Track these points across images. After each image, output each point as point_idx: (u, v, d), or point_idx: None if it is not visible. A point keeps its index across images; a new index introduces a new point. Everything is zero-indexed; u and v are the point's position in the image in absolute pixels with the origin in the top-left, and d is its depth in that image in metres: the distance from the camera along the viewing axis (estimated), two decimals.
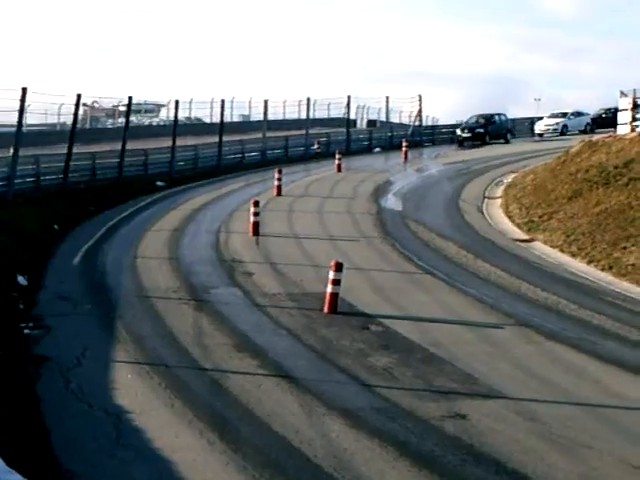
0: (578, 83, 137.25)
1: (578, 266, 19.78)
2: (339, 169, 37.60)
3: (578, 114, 57.57)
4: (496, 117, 54.17)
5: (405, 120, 59.64)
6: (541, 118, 59.33)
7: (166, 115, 61.01)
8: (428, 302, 15.85)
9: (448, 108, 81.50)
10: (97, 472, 8.75)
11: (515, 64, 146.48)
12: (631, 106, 34.49)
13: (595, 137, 33.26)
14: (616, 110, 39.29)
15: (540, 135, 55.89)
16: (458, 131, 53.55)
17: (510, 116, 57.22)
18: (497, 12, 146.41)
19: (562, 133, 55.13)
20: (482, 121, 53.19)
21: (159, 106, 65.61)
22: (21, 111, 25.65)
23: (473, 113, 55.48)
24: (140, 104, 56.15)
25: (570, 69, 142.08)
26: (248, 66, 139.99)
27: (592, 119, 57.27)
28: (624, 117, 35.75)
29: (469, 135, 52.42)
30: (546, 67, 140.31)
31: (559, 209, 24.72)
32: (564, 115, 57.26)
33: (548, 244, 22.02)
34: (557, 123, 56.25)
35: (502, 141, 52.52)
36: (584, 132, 53.42)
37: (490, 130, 52.60)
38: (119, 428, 9.85)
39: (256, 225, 22.00)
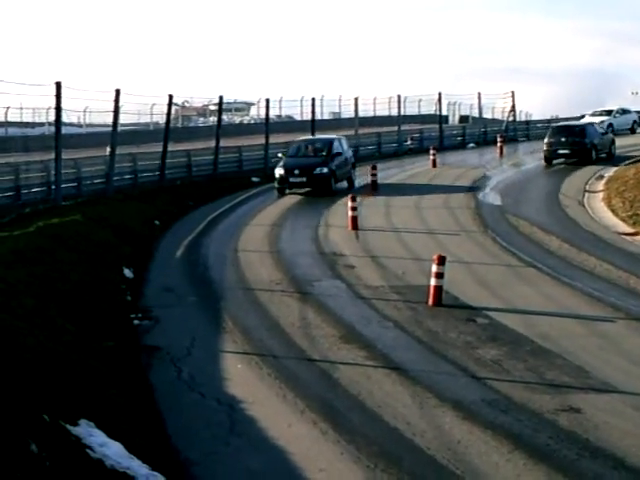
0: None
1: None
2: (434, 164, 37.36)
3: (624, 112, 53.44)
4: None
5: (498, 116, 59.11)
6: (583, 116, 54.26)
7: (256, 113, 61.69)
8: (533, 295, 15.61)
9: (541, 103, 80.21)
10: (213, 460, 8.85)
11: (610, 58, 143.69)
12: None
13: None
14: None
15: None
16: None
17: None
18: (591, 6, 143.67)
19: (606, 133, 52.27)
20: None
21: (249, 105, 66.34)
22: (116, 112, 26.27)
23: (568, 108, 54.18)
24: (230, 103, 56.79)
25: None
26: (337, 64, 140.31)
27: None
28: None
29: None
30: None
31: None
32: (609, 113, 52.51)
33: None
34: (602, 122, 50.24)
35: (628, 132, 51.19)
36: (632, 131, 51.27)
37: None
38: (232, 417, 9.95)
39: (355, 219, 22.01)
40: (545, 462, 8.81)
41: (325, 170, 28.59)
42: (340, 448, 9.13)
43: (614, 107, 53.84)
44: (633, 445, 9.20)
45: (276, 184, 29.00)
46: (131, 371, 11.41)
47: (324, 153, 29.62)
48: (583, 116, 53.83)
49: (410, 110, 55.91)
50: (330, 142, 30.45)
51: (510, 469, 8.68)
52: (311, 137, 35.01)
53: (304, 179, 28.55)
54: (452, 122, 58.29)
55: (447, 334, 13.15)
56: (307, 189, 29.06)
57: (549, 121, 56.82)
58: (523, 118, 59.57)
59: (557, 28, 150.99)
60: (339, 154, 29.86)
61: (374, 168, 30.51)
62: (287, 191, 28.76)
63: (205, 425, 9.75)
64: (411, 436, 9.41)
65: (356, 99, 48.17)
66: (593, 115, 52.98)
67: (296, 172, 28.46)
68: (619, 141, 43.11)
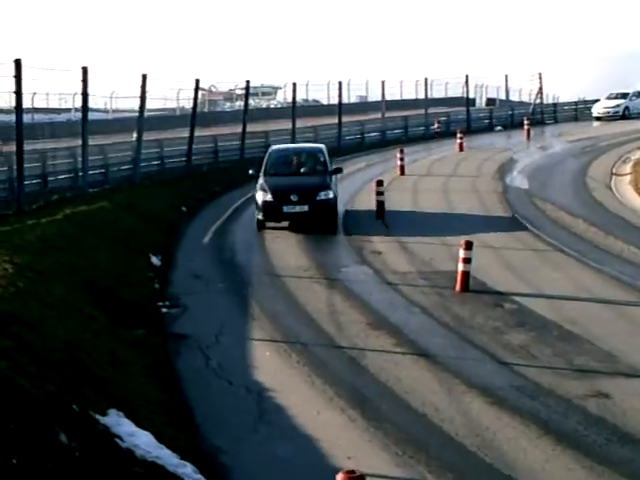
0: None
1: None
2: (461, 148, 37.21)
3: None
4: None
5: (525, 98, 58.70)
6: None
7: (283, 97, 61.50)
8: (561, 279, 15.54)
9: (569, 85, 79.52)
10: (241, 448, 8.89)
11: None
12: None
13: None
14: None
15: (598, 119, 51.22)
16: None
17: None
18: None
19: (623, 116, 50.55)
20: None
21: (276, 89, 66.20)
22: (142, 97, 26.24)
23: (596, 90, 53.82)
24: (257, 87, 56.75)
25: None
26: (364, 47, 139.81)
27: None
28: None
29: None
30: None
31: None
32: (624, 96, 52.02)
33: None
34: (617, 105, 51.42)
35: None
36: None
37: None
38: (261, 405, 10.00)
39: (381, 204, 21.94)
40: (573, 447, 8.82)
41: (331, 195, 20.23)
42: (368, 435, 9.17)
43: (630, 90, 53.28)
44: None
45: (259, 215, 20.17)
46: (159, 359, 11.49)
47: (320, 168, 21.51)
48: (599, 100, 53.58)
49: (437, 93, 55.62)
50: (320, 151, 22.33)
51: (538, 454, 8.68)
52: (290, 146, 26.70)
53: (305, 207, 19.83)
54: (479, 105, 57.96)
55: (475, 320, 13.14)
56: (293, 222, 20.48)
57: (576, 103, 56.52)
58: (550, 100, 59.12)
59: (589, 10, 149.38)
60: (338, 170, 22.07)
61: (401, 152, 30.37)
62: (267, 224, 20.37)
63: (233, 413, 9.81)
64: (439, 422, 9.43)
65: (383, 82, 48.00)
66: (609, 98, 52.80)
67: (293, 198, 19.82)
68: (638, 124, 43.15)
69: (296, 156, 22.29)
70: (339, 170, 21.90)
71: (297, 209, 19.81)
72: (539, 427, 9.29)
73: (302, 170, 21.58)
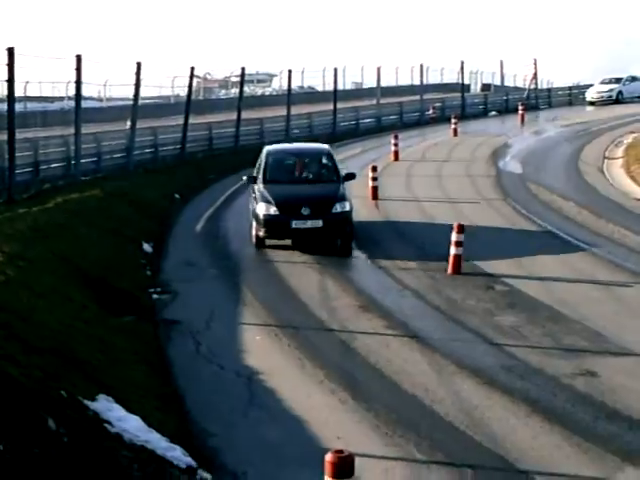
0: None
1: None
2: (455, 133, 37.27)
3: (633, 79, 52.89)
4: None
5: (520, 84, 58.74)
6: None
7: (278, 85, 61.46)
8: (552, 261, 15.59)
9: (563, 71, 79.46)
10: (231, 432, 8.91)
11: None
12: None
13: None
14: None
15: (592, 104, 51.31)
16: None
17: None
18: None
19: (617, 101, 50.72)
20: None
21: (271, 76, 66.18)
22: (137, 85, 26.21)
23: (590, 76, 53.90)
24: (252, 74, 56.68)
25: None
26: (359, 34, 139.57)
27: None
28: None
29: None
30: None
31: None
32: (618, 81, 52.33)
33: None
34: (611, 90, 51.64)
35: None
36: None
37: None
38: (251, 389, 10.03)
39: (375, 189, 21.98)
40: (561, 425, 8.89)
41: (348, 207, 16.77)
42: (359, 416, 9.21)
43: (624, 75, 53.52)
44: None
45: (260, 231, 16.66)
46: (150, 345, 11.51)
47: (329, 174, 18.08)
48: (592, 85, 53.64)
49: (432, 79, 55.66)
50: (327, 153, 18.87)
51: (527, 432, 8.75)
52: (289, 146, 21.62)
53: (318, 223, 16.39)
54: (474, 91, 57.98)
55: (466, 302, 13.19)
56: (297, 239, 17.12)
57: (570, 88, 56.54)
58: (545, 86, 59.10)
59: None
60: (351, 176, 18.22)
61: (396, 137, 30.37)
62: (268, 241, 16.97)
63: (224, 397, 9.82)
64: (429, 403, 9.48)
65: (378, 69, 48.04)
66: (602, 83, 53.02)
67: (304, 211, 16.39)
68: (631, 109, 43.18)
69: (299, 159, 18.49)
70: (352, 176, 18.14)
71: (309, 224, 16.28)
72: (528, 406, 9.35)
73: (309, 176, 18.11)
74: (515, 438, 8.61)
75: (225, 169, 27.89)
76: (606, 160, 28.69)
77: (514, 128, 40.26)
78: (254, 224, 16.91)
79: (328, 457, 6.22)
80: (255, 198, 17.17)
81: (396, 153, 29.75)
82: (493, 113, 49.51)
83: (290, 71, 38.89)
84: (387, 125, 41.99)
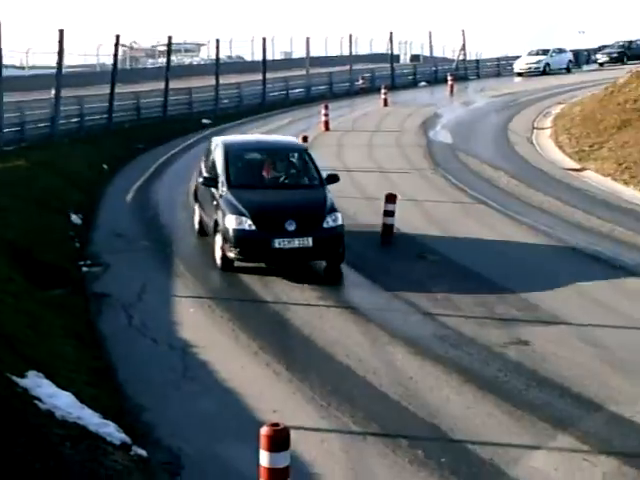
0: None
1: (631, 194, 19.53)
2: (385, 104, 37.32)
3: (560, 51, 53.90)
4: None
5: (449, 55, 59.06)
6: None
7: (207, 54, 60.92)
8: (483, 231, 15.72)
9: (492, 43, 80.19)
10: (165, 405, 8.82)
11: None
12: None
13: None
14: None
15: (519, 75, 51.92)
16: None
17: None
18: None
19: (544, 72, 51.34)
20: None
21: (199, 45, 65.60)
22: (60, 53, 25.60)
23: (518, 48, 54.48)
24: (180, 44, 56.13)
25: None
26: (288, 3, 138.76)
27: (574, 56, 54.89)
28: None
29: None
30: None
31: (609, 138, 24.45)
32: (545, 52, 53.21)
33: (600, 173, 21.74)
34: (538, 61, 52.32)
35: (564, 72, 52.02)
36: (567, 70, 52.07)
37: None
38: (185, 361, 9.93)
39: None
40: (494, 393, 9.00)
41: (340, 220, 13.43)
42: (293, 388, 9.19)
43: (551, 47, 54.37)
44: (579, 375, 9.42)
45: (230, 251, 13.07)
46: (80, 319, 11.30)
47: (310, 177, 14.49)
48: (520, 56, 54.31)
49: (362, 50, 55.69)
50: (302, 149, 15.52)
51: (460, 401, 8.83)
52: (253, 140, 17.43)
53: (308, 241, 12.97)
54: (403, 61, 58.15)
55: (398, 271, 13.23)
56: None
57: (499, 59, 57.06)
58: (474, 57, 59.51)
59: None
60: (334, 178, 14.71)
61: (326, 108, 30.28)
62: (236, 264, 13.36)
63: (157, 371, 9.72)
64: (364, 373, 9.50)
65: (307, 39, 47.71)
66: (530, 55, 53.73)
67: (289, 226, 12.96)
68: (558, 80, 43.75)
69: (270, 157, 14.86)
70: (335, 178, 14.68)
71: (296, 243, 12.89)
72: (461, 375, 9.44)
73: (286, 180, 14.49)
74: (449, 407, 8.68)
75: (153, 139, 27.55)
76: (535, 130, 29.01)
77: (443, 99, 40.49)
78: (217, 241, 13.35)
79: (263, 430, 6.20)
80: (217, 207, 13.58)
81: (326, 123, 29.69)
82: (423, 84, 49.70)
83: (218, 40, 38.54)
84: (317, 95, 41.87)
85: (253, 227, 12.98)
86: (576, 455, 7.76)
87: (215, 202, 13.79)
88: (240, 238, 12.94)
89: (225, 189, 13.71)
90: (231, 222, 13.04)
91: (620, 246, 14.79)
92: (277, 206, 13.47)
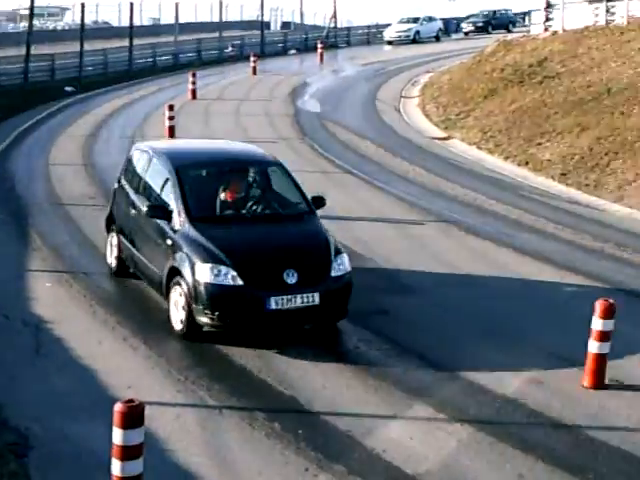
0: None
1: (495, 162, 19.96)
2: (254, 72, 37.07)
3: (430, 19, 54.60)
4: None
5: (320, 22, 59.14)
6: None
7: (71, 19, 59.40)
8: (349, 200, 15.78)
9: (362, 11, 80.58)
10: (16, 384, 8.51)
11: None
12: (544, 6, 34.39)
13: (510, 36, 33.38)
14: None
15: (390, 43, 52.30)
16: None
17: None
18: None
19: (414, 40, 51.85)
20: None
21: (63, 10, 63.89)
22: None
23: (389, 15, 54.96)
24: (43, 7, 54.60)
25: None
26: None
27: (445, 24, 56.09)
28: (538, 17, 35.84)
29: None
30: None
31: (475, 107, 24.88)
32: (415, 20, 53.74)
33: (465, 142, 22.13)
34: (408, 29, 52.78)
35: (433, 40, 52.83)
36: (437, 39, 53.04)
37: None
38: (38, 338, 9.61)
39: (172, 129, 21.49)
40: (353, 364, 9.06)
41: (347, 264, 9.95)
42: (151, 363, 9.04)
43: (421, 15, 54.98)
44: (434, 340, 9.66)
45: (202, 316, 9.38)
46: None
47: (295, 203, 10.89)
48: (390, 24, 54.83)
49: (232, 16, 55.21)
50: (278, 165, 11.42)
51: (318, 373, 8.83)
52: (205, 149, 12.53)
53: (314, 297, 9.45)
54: (274, 29, 57.93)
55: None
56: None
57: (369, 27, 57.45)
58: (344, 25, 59.75)
59: None
60: (321, 201, 11.00)
61: (194, 75, 29.83)
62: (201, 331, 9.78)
63: (9, 348, 9.35)
64: (221, 347, 9.37)
65: (177, 4, 47.07)
66: (400, 23, 54.19)
67: (290, 279, 9.41)
68: (427, 48, 44.32)
69: (236, 176, 10.88)
70: (321, 201, 11.01)
71: (299, 302, 9.44)
72: (320, 348, 9.44)
73: (266, 209, 10.61)
74: (306, 379, 8.67)
75: (13, 107, 26.55)
76: (403, 99, 29.28)
77: (313, 67, 40.51)
78: (175, 298, 9.79)
79: (117, 407, 6.04)
80: (174, 248, 9.87)
81: (194, 91, 29.25)
82: (293, 51, 49.63)
83: (83, 4, 37.61)
84: (185, 63, 41.38)
85: (239, 281, 9.37)
86: (431, 424, 7.85)
87: (168, 241, 10.02)
88: (220, 297, 9.37)
89: (184, 223, 9.95)
90: (204, 274, 9.39)
91: (482, 215, 15.10)
92: (269, 249, 9.84)
